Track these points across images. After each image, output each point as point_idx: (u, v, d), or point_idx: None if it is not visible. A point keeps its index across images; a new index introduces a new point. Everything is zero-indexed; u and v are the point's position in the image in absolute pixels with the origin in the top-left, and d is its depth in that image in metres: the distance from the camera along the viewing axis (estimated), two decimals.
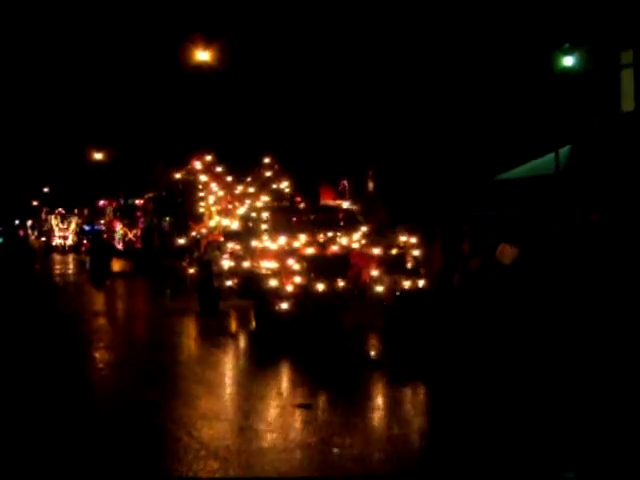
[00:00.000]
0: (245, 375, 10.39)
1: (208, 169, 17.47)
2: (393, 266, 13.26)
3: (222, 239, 15.42)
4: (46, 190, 64.11)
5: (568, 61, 20.79)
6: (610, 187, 18.26)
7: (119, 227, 32.08)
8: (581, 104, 21.55)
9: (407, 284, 13.11)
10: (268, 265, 12.82)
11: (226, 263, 14.64)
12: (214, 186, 17.07)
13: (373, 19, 28.51)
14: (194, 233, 17.58)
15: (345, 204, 15.44)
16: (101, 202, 34.10)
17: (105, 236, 29.59)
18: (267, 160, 17.06)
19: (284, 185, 16.70)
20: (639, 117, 19.77)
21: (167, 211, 28.89)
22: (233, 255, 14.50)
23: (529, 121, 23.82)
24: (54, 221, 51.15)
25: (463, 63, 25.96)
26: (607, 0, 20.90)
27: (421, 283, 13.30)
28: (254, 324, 13.83)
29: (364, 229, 14.19)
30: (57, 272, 32.46)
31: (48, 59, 48.25)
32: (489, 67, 25.40)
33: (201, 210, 17.50)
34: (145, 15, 39.09)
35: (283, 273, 12.53)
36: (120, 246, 30.20)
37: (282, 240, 13.21)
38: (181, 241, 18.23)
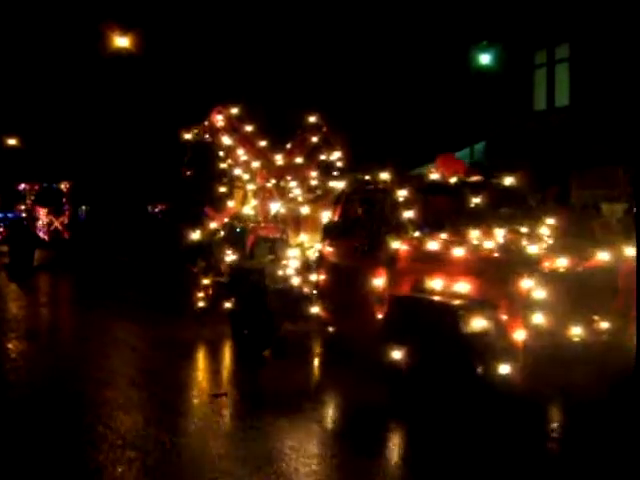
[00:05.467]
0: None
1: (234, 127, 12.33)
2: None
3: (278, 235, 10.67)
4: None
5: (485, 59, 21.57)
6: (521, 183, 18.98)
7: (43, 214, 30.48)
8: (497, 102, 22.29)
9: None
10: (465, 288, 7.22)
11: (309, 276, 9.70)
12: (242, 154, 12.05)
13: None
14: (215, 224, 12.32)
15: (508, 180, 9.56)
16: (21, 186, 32.57)
17: (26, 224, 28.21)
18: (313, 120, 12.42)
19: (335, 157, 12.27)
20: (550, 116, 20.59)
21: (84, 199, 27.79)
22: (327, 262, 9.46)
23: (445, 116, 24.49)
24: None
25: (380, 58, 26.38)
26: (523, 1, 21.61)
27: None
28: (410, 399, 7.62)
29: (551, 221, 9.12)
30: None
31: None
32: (406, 63, 25.93)
33: (222, 189, 12.36)
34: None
35: (504, 306, 6.86)
36: (44, 235, 28.76)
37: (486, 241, 7.75)
38: (194, 236, 12.49)
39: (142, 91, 35.01)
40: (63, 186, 30.46)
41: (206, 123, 12.60)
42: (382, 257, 8.26)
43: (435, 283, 7.54)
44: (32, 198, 29.47)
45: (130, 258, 23.81)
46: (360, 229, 8.82)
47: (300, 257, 9.98)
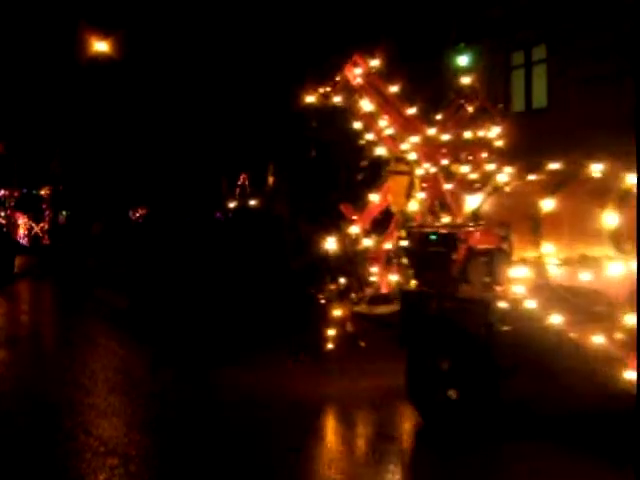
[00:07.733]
0: None
1: (375, 87, 9.07)
2: None
3: (494, 245, 6.92)
4: None
5: (462, 60, 21.67)
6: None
7: (23, 220, 30.32)
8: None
9: None
10: None
11: None
12: (386, 125, 8.86)
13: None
14: (357, 228, 8.75)
15: None
16: (1, 192, 32.60)
17: (6, 230, 28.12)
18: (468, 82, 9.54)
19: (495, 133, 9.16)
20: (528, 117, 20.70)
21: (64, 205, 27.69)
22: None
23: (425, 118, 24.57)
24: None
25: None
26: (500, 2, 21.73)
27: None
28: None
29: None
30: None
31: None
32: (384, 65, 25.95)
33: (360, 177, 9.27)
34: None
35: None
36: (24, 241, 28.59)
37: None
38: (330, 246, 8.76)
39: (123, 96, 34.90)
40: (43, 192, 30.35)
41: (338, 78, 9.21)
42: None
43: None
44: (12, 204, 29.33)
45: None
46: None
47: (537, 279, 6.81)
